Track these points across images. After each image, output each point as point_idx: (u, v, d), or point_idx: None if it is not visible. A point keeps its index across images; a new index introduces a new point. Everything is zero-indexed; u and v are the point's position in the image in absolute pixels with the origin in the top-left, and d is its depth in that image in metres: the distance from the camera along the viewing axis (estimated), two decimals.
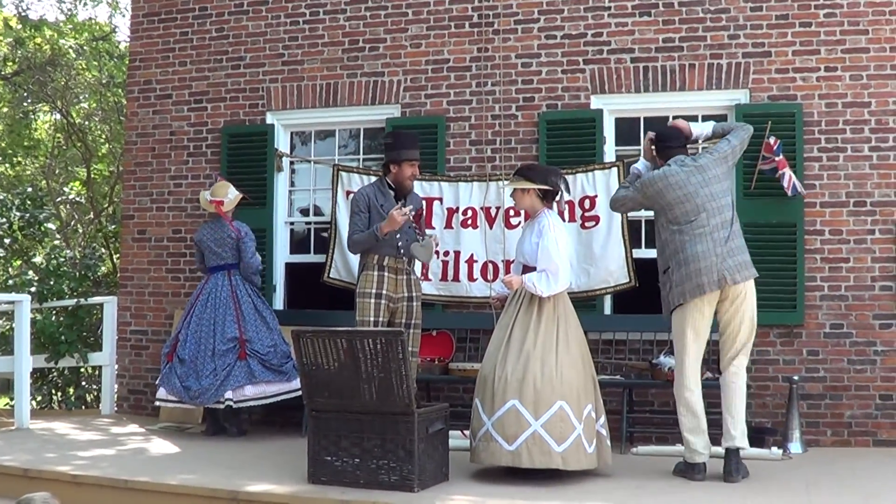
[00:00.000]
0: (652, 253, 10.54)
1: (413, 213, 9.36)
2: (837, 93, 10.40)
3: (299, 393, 9.66)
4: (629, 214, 10.51)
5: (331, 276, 11.41)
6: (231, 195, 10.76)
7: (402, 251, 9.36)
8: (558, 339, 8.18)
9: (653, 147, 8.76)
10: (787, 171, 10.04)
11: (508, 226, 10.80)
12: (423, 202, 10.31)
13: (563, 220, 10.28)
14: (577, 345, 8.31)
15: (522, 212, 10.12)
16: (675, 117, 9.80)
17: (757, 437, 9.78)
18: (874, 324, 10.20)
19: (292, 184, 12.15)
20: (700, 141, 8.91)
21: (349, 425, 8.00)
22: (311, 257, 12.02)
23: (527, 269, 8.43)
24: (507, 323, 8.38)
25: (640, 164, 8.87)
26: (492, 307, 9.37)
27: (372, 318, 9.28)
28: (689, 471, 8.31)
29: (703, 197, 8.30)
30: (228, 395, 10.24)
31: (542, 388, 7.95)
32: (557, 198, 8.62)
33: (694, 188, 8.31)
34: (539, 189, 8.46)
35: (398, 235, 9.30)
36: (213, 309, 10.52)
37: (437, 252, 9.77)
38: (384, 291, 9.35)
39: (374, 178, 10.35)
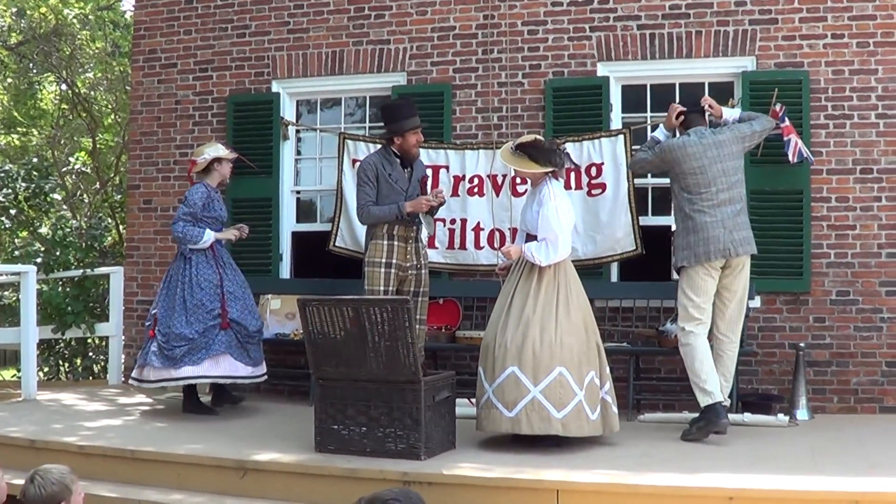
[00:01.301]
0: (658, 220, 10.64)
1: (436, 195, 9.49)
2: (844, 60, 10.37)
3: (182, 383, 9.79)
4: (636, 181, 10.52)
5: (336, 244, 11.39)
6: (207, 154, 10.10)
7: (413, 218, 9.37)
8: (558, 306, 8.20)
9: (677, 119, 9.00)
10: (794, 138, 9.99)
11: (515, 193, 10.76)
12: (429, 170, 10.31)
13: (571, 188, 10.36)
14: (579, 311, 8.32)
15: (528, 179, 10.15)
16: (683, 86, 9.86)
17: (763, 403, 9.83)
18: (880, 291, 10.20)
19: (298, 153, 12.12)
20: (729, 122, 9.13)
21: (356, 394, 8.04)
22: (318, 226, 12.02)
23: (530, 237, 8.46)
24: (508, 291, 8.43)
25: (660, 132, 9.09)
26: (498, 276, 9.38)
27: (382, 288, 9.30)
28: (709, 419, 8.53)
29: (715, 171, 8.65)
30: (135, 373, 10.05)
31: (541, 354, 7.99)
32: (561, 168, 8.61)
33: (709, 161, 8.64)
34: (543, 172, 8.49)
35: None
36: None
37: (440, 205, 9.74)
38: (394, 260, 9.37)
39: (380, 146, 10.34)
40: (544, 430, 7.94)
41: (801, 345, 9.96)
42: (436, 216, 10.03)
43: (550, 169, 8.41)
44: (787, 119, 10.00)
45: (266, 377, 10.19)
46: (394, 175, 9.37)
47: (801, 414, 9.79)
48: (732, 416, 9.05)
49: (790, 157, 9.94)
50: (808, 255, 10.27)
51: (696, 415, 8.75)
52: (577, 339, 8.17)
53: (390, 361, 7.86)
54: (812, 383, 10.15)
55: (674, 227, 9.09)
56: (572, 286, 8.39)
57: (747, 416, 9.41)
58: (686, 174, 8.69)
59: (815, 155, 10.21)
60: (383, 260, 9.34)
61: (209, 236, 9.91)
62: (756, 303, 9.89)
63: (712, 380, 8.60)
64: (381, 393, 7.96)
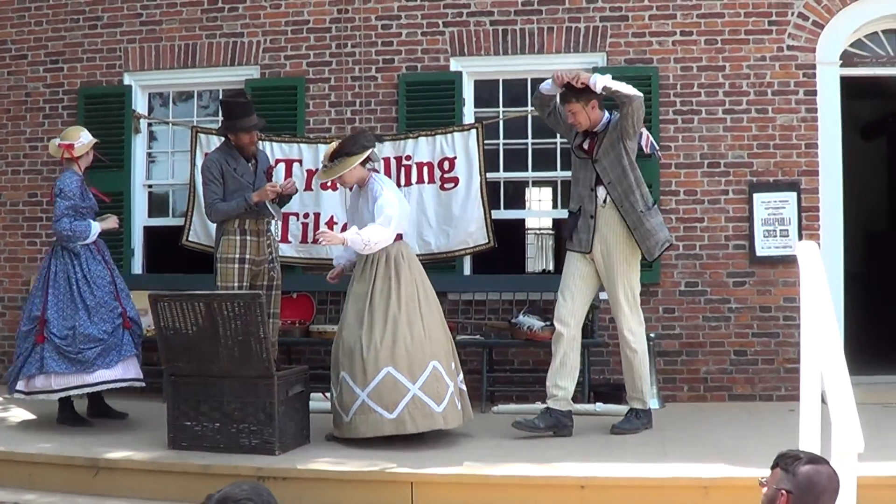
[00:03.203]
0: (511, 214, 10.71)
1: (284, 185, 9.38)
2: (693, 56, 10.59)
3: (98, 388, 9.06)
4: (488, 175, 10.63)
5: (190, 239, 11.28)
6: (84, 139, 9.50)
7: (262, 210, 9.27)
8: (420, 301, 8.25)
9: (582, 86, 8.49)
10: (644, 132, 10.15)
11: None
12: (282, 164, 10.28)
13: (424, 182, 10.47)
14: (436, 305, 8.41)
15: (382, 173, 10.22)
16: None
17: (615, 393, 9.96)
18: (728, 282, 10.45)
19: (150, 146, 11.98)
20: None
21: (209, 389, 8.02)
22: (171, 220, 11.91)
23: None
24: (364, 292, 8.31)
25: (549, 84, 8.69)
26: (332, 282, 9.21)
27: (236, 284, 9.20)
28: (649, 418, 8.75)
29: None
30: (20, 384, 9.05)
31: (413, 350, 8.00)
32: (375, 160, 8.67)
33: None
34: (363, 160, 8.44)
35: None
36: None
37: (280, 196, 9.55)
38: (247, 255, 9.29)
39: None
40: (429, 426, 7.99)
41: (652, 335, 10.09)
42: (289, 209, 9.98)
43: (367, 154, 8.39)
44: None
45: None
46: (238, 169, 9.31)
47: (652, 403, 9.90)
48: (584, 406, 9.20)
49: (644, 150, 10.11)
50: None
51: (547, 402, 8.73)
52: (442, 332, 8.29)
53: (243, 356, 7.85)
54: (662, 373, 10.35)
55: (644, 206, 8.77)
56: (425, 281, 8.46)
57: (599, 406, 9.54)
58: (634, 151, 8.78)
59: (664, 149, 10.37)
60: (237, 255, 9.26)
61: (95, 228, 9.27)
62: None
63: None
64: (234, 388, 7.95)
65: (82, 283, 9.08)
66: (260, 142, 9.98)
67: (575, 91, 8.47)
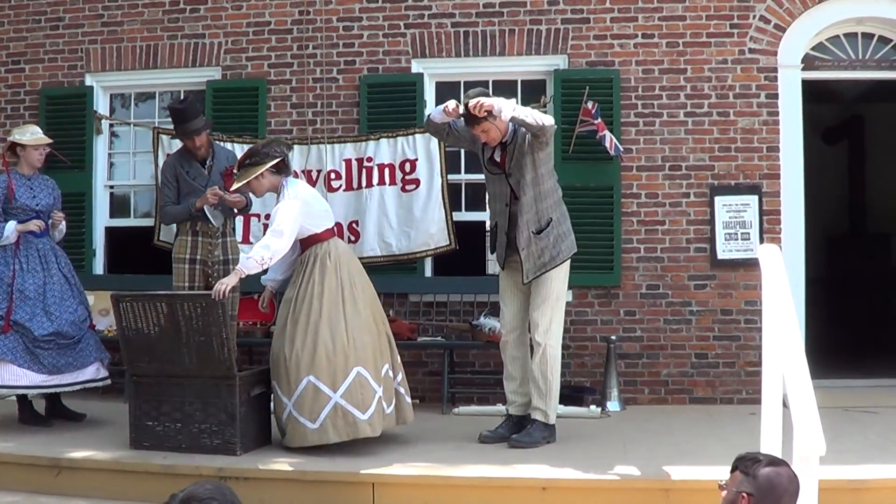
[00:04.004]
0: (471, 216, 10.69)
1: (223, 191, 9.19)
2: (654, 59, 10.62)
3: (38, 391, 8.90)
4: (449, 177, 10.68)
5: (161, 238, 11.29)
6: (12, 137, 9.23)
7: (206, 214, 9.22)
8: (345, 304, 7.97)
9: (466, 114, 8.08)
10: (607, 134, 10.21)
11: (329, 189, 10.75)
12: (232, 159, 10.21)
13: (385, 183, 10.49)
14: (368, 306, 8.14)
15: (343, 174, 10.20)
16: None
17: (576, 396, 9.99)
18: (689, 284, 10.47)
19: (112, 147, 11.93)
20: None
21: (170, 390, 7.99)
22: (132, 221, 11.88)
23: None
24: (290, 297, 8.13)
25: (438, 114, 8.27)
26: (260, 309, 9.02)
27: (186, 284, 9.24)
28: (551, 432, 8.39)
29: None
30: None
31: (335, 357, 7.78)
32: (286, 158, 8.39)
33: None
34: (270, 167, 8.19)
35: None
36: None
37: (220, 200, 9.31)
38: (198, 256, 9.31)
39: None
40: (352, 434, 7.76)
41: (613, 338, 10.16)
42: (252, 210, 9.91)
43: (272, 163, 8.15)
44: (599, 116, 10.20)
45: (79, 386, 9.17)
46: (191, 172, 9.31)
47: (613, 405, 10.00)
48: None
49: (609, 151, 10.15)
50: (619, 249, 10.50)
51: (506, 407, 8.69)
52: (370, 335, 8.01)
53: (205, 357, 7.82)
54: (623, 375, 10.36)
55: (536, 223, 8.17)
56: (356, 280, 8.17)
57: (560, 408, 9.52)
58: (552, 156, 8.30)
59: (625, 152, 10.42)
60: (186, 256, 9.29)
61: (10, 229, 8.92)
62: (568, 297, 10.04)
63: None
64: (195, 388, 7.92)
65: None
66: (222, 143, 9.95)
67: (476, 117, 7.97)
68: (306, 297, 7.99)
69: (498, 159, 8.28)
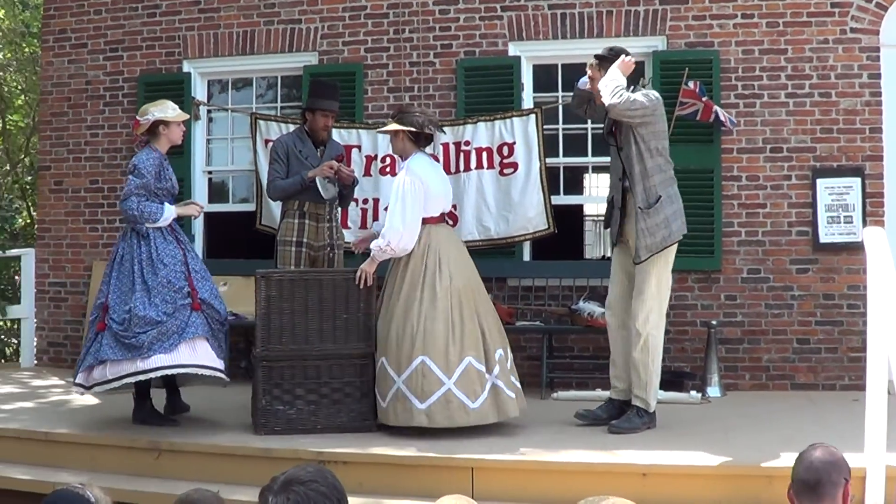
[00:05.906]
0: (570, 199, 10.64)
1: (338, 163, 9.24)
2: (754, 39, 10.45)
3: (153, 375, 8.02)
4: (548, 161, 10.57)
5: (263, 223, 11.37)
6: (151, 114, 8.44)
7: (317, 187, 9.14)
8: (423, 291, 7.93)
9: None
10: (717, 108, 10.12)
11: None
12: (343, 149, 10.23)
13: (483, 167, 10.45)
14: (447, 297, 7.96)
15: (441, 158, 10.15)
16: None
17: (676, 381, 9.89)
18: (791, 269, 10.31)
19: (210, 133, 12.04)
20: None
21: (306, 371, 8.11)
22: (231, 206, 12.00)
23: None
24: (390, 281, 8.22)
25: (583, 83, 8.46)
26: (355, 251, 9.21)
27: (292, 267, 9.20)
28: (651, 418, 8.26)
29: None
30: (80, 377, 8.25)
31: (402, 343, 7.83)
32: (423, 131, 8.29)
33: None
34: (409, 131, 8.20)
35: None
36: None
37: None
38: (304, 239, 9.26)
39: (292, 127, 10.26)
40: (406, 421, 7.77)
41: (713, 322, 10.06)
42: (355, 188, 9.88)
43: (408, 128, 8.14)
44: (705, 93, 10.11)
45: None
46: (304, 152, 9.26)
47: (714, 391, 9.89)
48: None
49: (725, 124, 10.07)
50: (720, 233, 10.37)
51: (608, 392, 8.59)
52: (444, 325, 7.86)
53: (344, 335, 8.07)
54: (724, 361, 10.24)
55: (644, 202, 7.98)
56: (444, 269, 8.03)
57: (660, 394, 9.44)
58: (662, 133, 8.06)
59: (726, 134, 10.34)
60: (294, 238, 9.23)
61: (170, 212, 8.37)
62: None
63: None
64: (332, 368, 8.10)
65: (146, 263, 8.18)
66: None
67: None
68: (392, 281, 8.14)
69: (614, 131, 8.22)
